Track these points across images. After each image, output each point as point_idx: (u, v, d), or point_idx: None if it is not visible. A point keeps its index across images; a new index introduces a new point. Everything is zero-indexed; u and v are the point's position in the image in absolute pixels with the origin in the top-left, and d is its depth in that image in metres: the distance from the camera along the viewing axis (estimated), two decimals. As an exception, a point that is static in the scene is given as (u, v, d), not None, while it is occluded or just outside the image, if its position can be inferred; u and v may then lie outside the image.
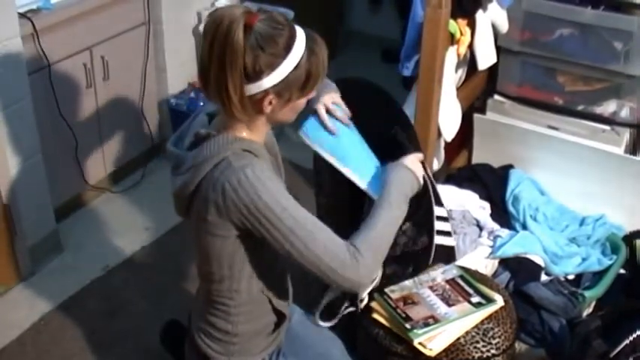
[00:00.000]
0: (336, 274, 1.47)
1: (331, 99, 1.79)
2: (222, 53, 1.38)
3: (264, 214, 1.43)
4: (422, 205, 2.11)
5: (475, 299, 1.96)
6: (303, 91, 1.50)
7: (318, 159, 2.14)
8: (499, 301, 1.97)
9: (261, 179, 1.43)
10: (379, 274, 1.91)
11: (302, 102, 1.53)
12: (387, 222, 1.56)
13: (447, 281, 2.04)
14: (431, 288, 2.01)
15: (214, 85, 1.43)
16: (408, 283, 2.03)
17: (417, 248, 2.15)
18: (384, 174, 1.69)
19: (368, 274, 1.51)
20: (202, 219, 1.50)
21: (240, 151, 1.47)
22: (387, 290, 1.99)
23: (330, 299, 1.90)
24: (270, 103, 1.46)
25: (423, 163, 1.81)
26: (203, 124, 1.59)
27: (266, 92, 1.44)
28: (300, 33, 1.46)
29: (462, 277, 2.05)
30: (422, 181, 1.72)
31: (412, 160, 1.72)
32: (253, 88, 1.43)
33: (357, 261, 1.47)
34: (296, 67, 1.44)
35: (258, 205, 1.43)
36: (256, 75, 1.41)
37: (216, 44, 1.39)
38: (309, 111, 1.81)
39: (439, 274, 2.07)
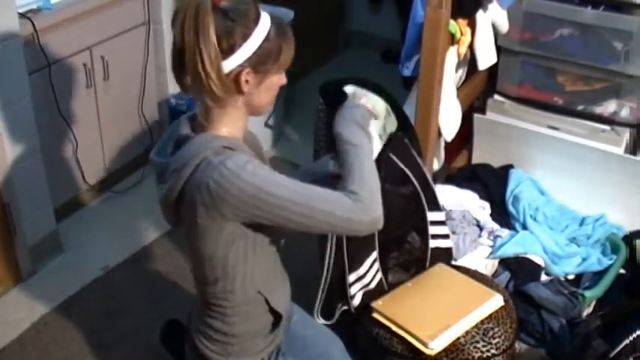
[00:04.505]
0: (350, 222, 1.46)
1: None
2: (194, 33, 1.41)
3: (257, 197, 1.43)
4: (417, 209, 2.12)
5: None
6: (278, 64, 1.52)
7: (317, 158, 2.14)
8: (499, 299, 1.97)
9: (241, 165, 1.43)
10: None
11: (277, 82, 1.55)
12: (361, 159, 1.55)
13: None
14: None
15: (191, 68, 1.44)
16: None
17: (418, 254, 2.16)
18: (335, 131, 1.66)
19: (376, 208, 1.49)
20: (192, 223, 1.50)
21: (220, 148, 1.48)
22: None
23: (323, 296, 1.91)
24: (247, 81, 1.48)
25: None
26: (185, 127, 1.58)
27: (242, 67, 1.47)
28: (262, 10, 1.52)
29: None
30: (363, 104, 1.73)
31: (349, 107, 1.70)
32: (229, 64, 1.45)
33: (362, 202, 1.47)
34: (267, 39, 1.48)
35: (247, 190, 1.42)
36: (230, 48, 1.44)
37: (186, 27, 1.41)
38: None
39: None
